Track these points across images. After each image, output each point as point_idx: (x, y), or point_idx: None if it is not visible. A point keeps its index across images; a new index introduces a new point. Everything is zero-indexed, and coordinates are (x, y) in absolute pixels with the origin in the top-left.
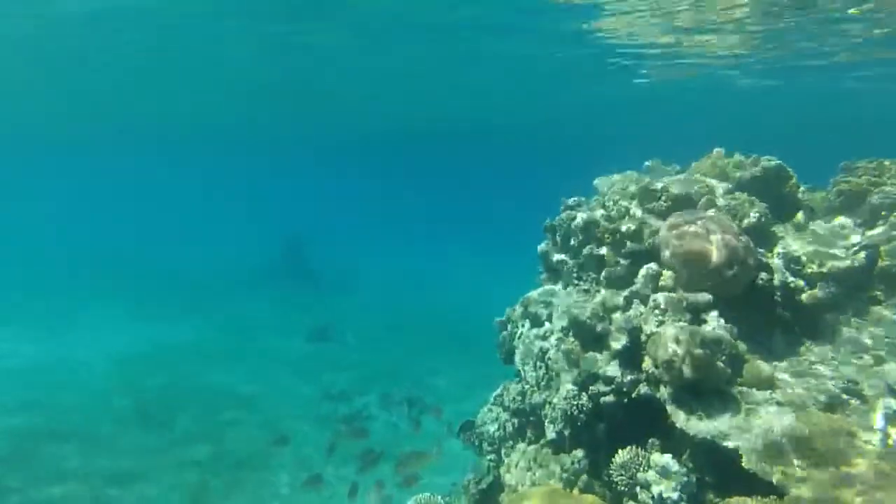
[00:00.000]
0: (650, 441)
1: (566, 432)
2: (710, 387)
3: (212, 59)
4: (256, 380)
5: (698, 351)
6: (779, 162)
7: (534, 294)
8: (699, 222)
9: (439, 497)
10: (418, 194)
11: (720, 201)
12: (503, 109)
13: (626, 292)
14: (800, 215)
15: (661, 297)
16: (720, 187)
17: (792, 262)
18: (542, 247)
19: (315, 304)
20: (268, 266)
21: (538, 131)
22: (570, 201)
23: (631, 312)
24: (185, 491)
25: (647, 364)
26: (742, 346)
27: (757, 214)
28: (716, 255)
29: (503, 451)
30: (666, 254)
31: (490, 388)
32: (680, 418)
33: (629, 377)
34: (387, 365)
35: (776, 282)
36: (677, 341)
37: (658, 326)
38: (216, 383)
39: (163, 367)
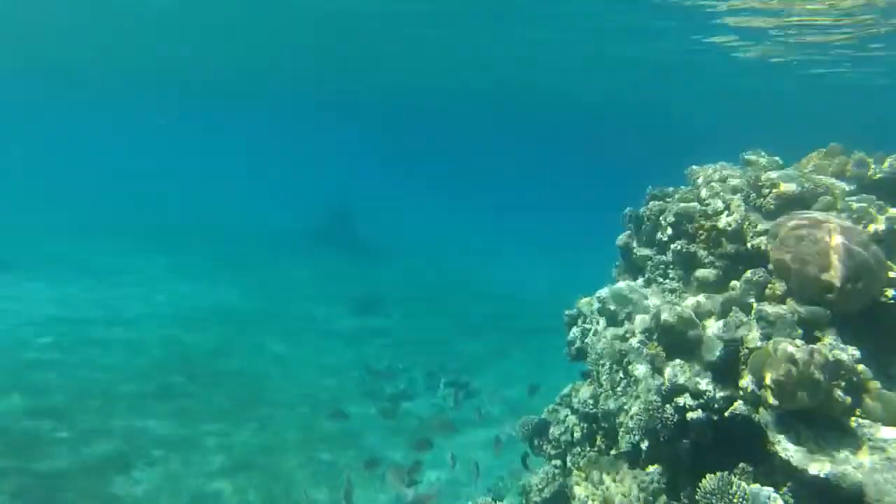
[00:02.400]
0: (740, 466)
1: (643, 445)
2: (824, 416)
3: (274, 15)
4: (300, 350)
5: (818, 374)
6: None
7: (611, 289)
8: (821, 227)
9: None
10: (479, 170)
11: (841, 203)
12: (577, 83)
13: (723, 297)
14: None
15: (768, 308)
16: (840, 187)
17: None
18: (622, 238)
19: (360, 275)
20: (314, 232)
21: (615, 110)
22: (657, 190)
23: (729, 321)
24: (228, 458)
25: (745, 381)
26: (866, 372)
27: (888, 222)
28: (839, 267)
29: (569, 458)
30: (779, 259)
31: (533, 376)
32: (786, 448)
33: (722, 393)
34: (430, 342)
35: None
36: (793, 361)
37: (763, 341)
38: (259, 350)
39: (206, 326)
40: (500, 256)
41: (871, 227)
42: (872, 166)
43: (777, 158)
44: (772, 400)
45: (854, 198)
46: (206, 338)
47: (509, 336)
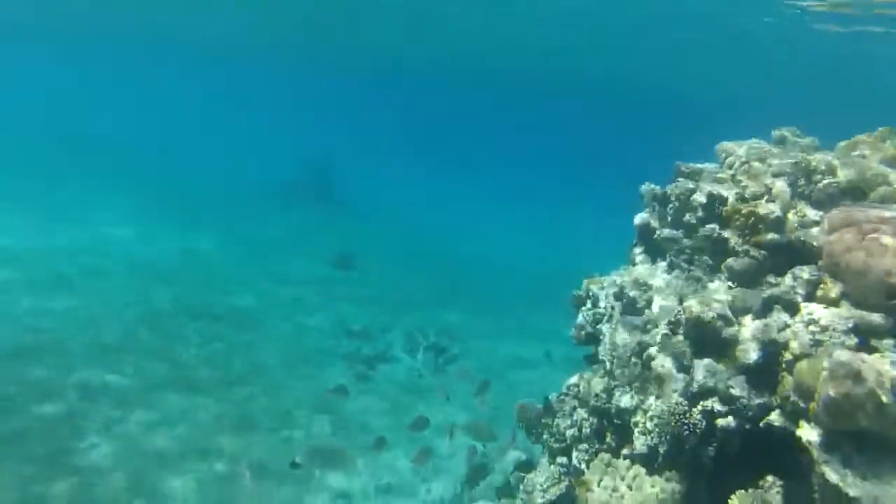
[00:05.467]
0: (769, 480)
1: (661, 449)
2: (879, 438)
3: None
4: (275, 303)
5: (885, 397)
6: None
7: (631, 273)
8: (890, 223)
9: None
10: (464, 132)
11: None
12: (575, 46)
13: (765, 294)
14: None
15: (820, 311)
16: (895, 177)
17: None
18: (641, 217)
19: (338, 230)
20: (292, 186)
21: (617, 80)
22: (687, 167)
23: (771, 322)
24: (193, 426)
25: (785, 389)
26: None
27: None
28: None
29: (575, 454)
30: (836, 256)
31: (514, 343)
32: (837, 474)
33: (758, 400)
34: (409, 300)
35: None
36: (857, 378)
37: (812, 348)
38: (232, 304)
39: (179, 279)
40: (485, 223)
41: None
42: None
43: (814, 139)
44: (824, 418)
45: None
46: (176, 290)
47: (491, 303)
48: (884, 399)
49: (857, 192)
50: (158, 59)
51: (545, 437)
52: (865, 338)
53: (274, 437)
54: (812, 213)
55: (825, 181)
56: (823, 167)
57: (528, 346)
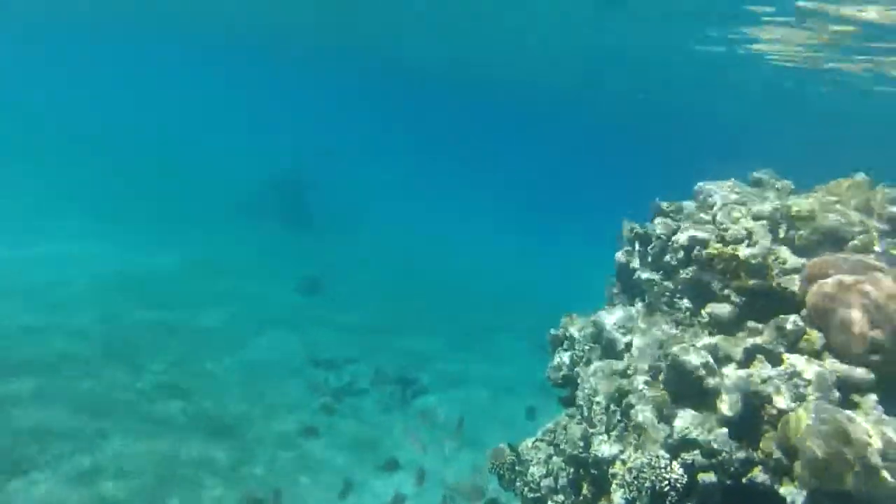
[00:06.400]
0: None
1: (639, 502)
2: (866, 498)
3: None
4: (237, 330)
5: (875, 459)
6: None
7: (609, 315)
8: (871, 275)
9: None
10: (451, 150)
11: (878, 247)
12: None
13: (747, 343)
14: None
15: (803, 363)
16: (873, 226)
17: None
18: (621, 255)
19: (308, 251)
20: (260, 202)
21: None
22: (668, 205)
23: (754, 373)
24: (151, 460)
25: (769, 445)
26: None
27: None
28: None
29: None
30: (818, 307)
31: (488, 382)
32: None
33: (740, 454)
34: (379, 328)
35: None
36: (845, 439)
37: (795, 401)
38: (192, 329)
39: (138, 298)
40: (460, 245)
41: None
42: None
43: (789, 183)
44: (808, 477)
45: (892, 240)
46: (140, 309)
47: (463, 331)
48: (875, 462)
49: (836, 239)
50: (118, 60)
51: (518, 484)
52: (845, 391)
53: (234, 475)
54: (792, 260)
55: (805, 228)
56: (805, 213)
57: (501, 379)
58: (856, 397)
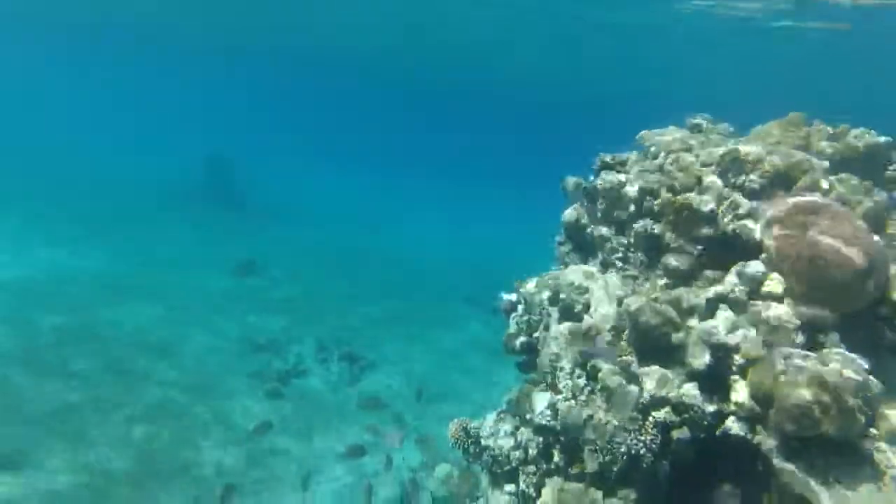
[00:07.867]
0: (726, 490)
1: (614, 466)
2: (837, 440)
3: None
4: (173, 321)
5: (851, 401)
6: (888, 138)
7: (565, 275)
8: (826, 211)
9: None
10: (375, 124)
11: (824, 184)
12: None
13: (709, 292)
14: None
15: (769, 311)
16: (818, 164)
17: None
18: (569, 213)
19: (241, 234)
20: (189, 188)
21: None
22: (611, 158)
23: (717, 323)
24: (87, 474)
25: (740, 396)
26: (877, 387)
27: (873, 206)
28: (858, 258)
29: (522, 479)
30: (780, 249)
31: (430, 349)
32: (799, 482)
33: (711, 408)
34: (319, 307)
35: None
36: (821, 384)
37: (762, 348)
38: (127, 325)
39: (60, 301)
40: (403, 222)
41: (859, 213)
42: (843, 140)
43: (727, 125)
44: (788, 426)
45: (837, 177)
46: (62, 314)
47: (405, 304)
48: (851, 404)
49: (785, 180)
50: (41, 51)
51: (485, 458)
52: (810, 333)
53: (181, 479)
54: (745, 204)
55: (756, 171)
56: (752, 157)
57: (446, 344)
58: (820, 337)
